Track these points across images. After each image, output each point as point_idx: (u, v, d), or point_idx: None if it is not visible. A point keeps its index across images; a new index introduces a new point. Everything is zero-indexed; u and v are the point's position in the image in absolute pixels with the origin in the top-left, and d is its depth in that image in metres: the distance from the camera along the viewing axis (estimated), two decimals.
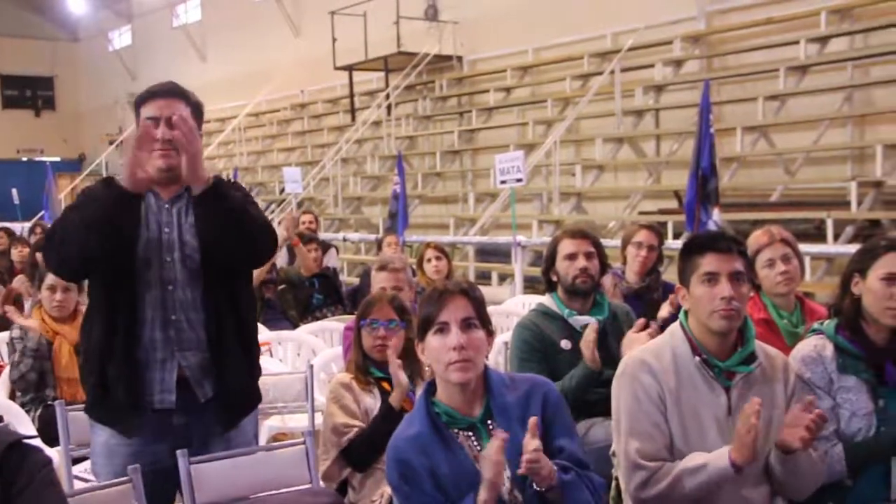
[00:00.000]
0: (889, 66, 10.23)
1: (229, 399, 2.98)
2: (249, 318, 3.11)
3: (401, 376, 3.36)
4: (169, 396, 2.90)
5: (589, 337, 3.72)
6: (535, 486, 2.43)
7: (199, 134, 2.85)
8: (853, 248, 3.11)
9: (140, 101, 2.98)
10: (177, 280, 2.91)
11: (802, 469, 2.68)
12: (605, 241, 4.53)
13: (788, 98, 10.83)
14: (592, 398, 3.68)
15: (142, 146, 2.80)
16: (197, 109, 3.02)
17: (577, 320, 3.91)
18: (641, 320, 3.52)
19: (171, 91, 2.99)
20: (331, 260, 8.27)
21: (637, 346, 3.47)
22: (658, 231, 5.10)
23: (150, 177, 2.85)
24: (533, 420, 2.45)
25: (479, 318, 2.55)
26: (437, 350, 2.52)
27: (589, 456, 2.63)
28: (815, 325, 3.08)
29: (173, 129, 2.81)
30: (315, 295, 7.11)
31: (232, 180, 3.29)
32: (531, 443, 2.39)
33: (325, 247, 8.04)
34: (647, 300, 4.87)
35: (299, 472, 3.13)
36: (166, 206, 2.95)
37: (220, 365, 2.94)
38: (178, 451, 2.86)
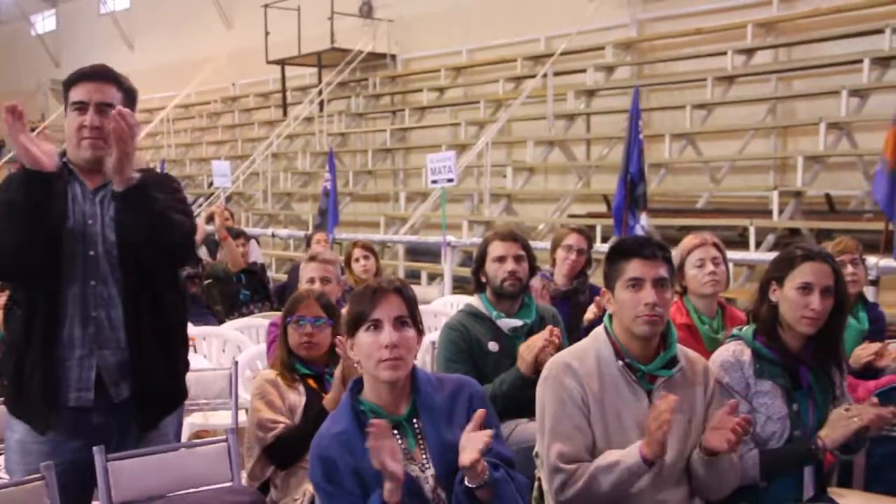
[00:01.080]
0: (810, 80, 10.52)
1: (146, 400, 2.91)
2: (174, 317, 3.01)
3: (344, 382, 3.32)
4: (86, 395, 2.83)
5: (536, 344, 3.72)
6: (466, 483, 2.42)
7: (136, 131, 2.71)
8: (774, 256, 3.18)
9: (68, 84, 2.87)
10: (99, 275, 2.82)
11: (724, 471, 2.74)
12: (534, 244, 4.57)
13: (715, 107, 11.06)
14: (518, 399, 3.69)
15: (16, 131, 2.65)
16: (129, 95, 2.91)
17: (505, 323, 3.92)
18: (550, 327, 3.61)
19: (103, 74, 2.87)
20: (254, 254, 8.19)
21: (531, 348, 3.61)
22: (587, 235, 5.16)
23: (40, 151, 2.69)
24: (480, 412, 2.46)
25: (411, 317, 2.56)
26: (368, 347, 2.51)
27: (513, 456, 2.64)
28: (734, 331, 3.15)
29: (104, 117, 2.71)
30: (242, 291, 7.04)
31: (169, 175, 3.20)
32: (481, 433, 2.40)
33: (248, 239, 7.95)
34: (574, 303, 4.92)
35: (221, 470, 3.09)
36: (90, 195, 2.86)
37: (138, 365, 2.86)
38: (95, 448, 2.80)
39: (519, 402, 3.66)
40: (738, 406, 2.67)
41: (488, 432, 2.41)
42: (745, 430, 2.60)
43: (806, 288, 2.93)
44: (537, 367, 3.66)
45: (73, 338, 2.81)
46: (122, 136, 2.65)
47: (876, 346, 4.07)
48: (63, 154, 2.89)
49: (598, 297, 4.61)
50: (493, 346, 3.88)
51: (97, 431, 2.85)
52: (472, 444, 2.40)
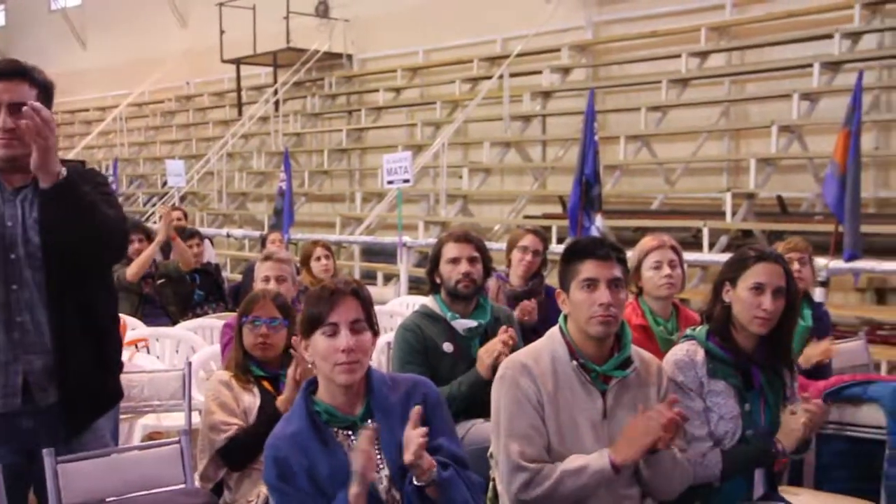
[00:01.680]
0: (763, 83, 10.67)
1: (75, 403, 2.84)
2: (104, 317, 2.95)
3: (298, 382, 3.30)
4: (14, 400, 2.76)
5: (495, 348, 3.71)
6: (414, 482, 2.43)
7: (53, 125, 2.60)
8: (727, 257, 3.22)
9: None
10: (21, 279, 2.75)
11: (665, 469, 2.76)
12: (490, 244, 4.57)
13: (670, 109, 11.17)
14: (475, 400, 3.70)
15: None
16: (45, 89, 2.79)
17: (460, 324, 3.92)
18: (505, 327, 3.63)
19: (13, 72, 2.75)
20: (208, 254, 8.12)
21: (490, 351, 3.63)
22: (543, 236, 5.17)
23: None
24: (416, 409, 2.46)
25: (367, 320, 2.55)
26: (324, 351, 2.49)
27: (468, 457, 2.64)
28: (688, 332, 3.18)
29: (17, 117, 2.61)
30: (196, 291, 6.96)
31: (94, 170, 3.12)
32: (417, 431, 2.40)
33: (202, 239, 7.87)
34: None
35: (174, 472, 3.06)
36: (10, 196, 2.77)
37: (65, 368, 2.79)
38: (45, 451, 2.75)
39: (473, 402, 3.67)
40: (676, 402, 2.68)
41: (422, 431, 2.41)
42: (677, 427, 2.61)
43: (758, 288, 2.96)
44: (496, 370, 3.67)
45: None
46: (38, 131, 2.55)
47: (825, 344, 4.14)
48: None
49: (522, 304, 4.65)
50: (447, 346, 3.88)
51: (26, 436, 2.80)
52: (409, 443, 2.41)
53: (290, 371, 3.29)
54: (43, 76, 2.82)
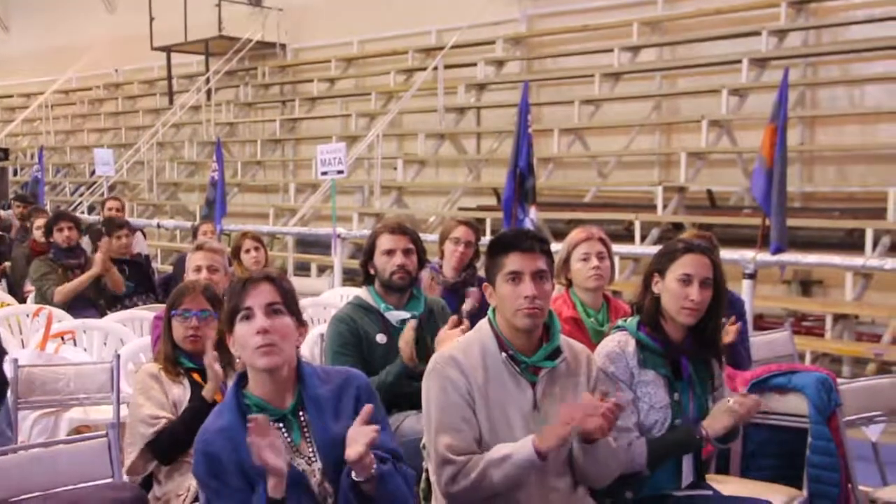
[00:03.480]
0: (693, 78, 10.85)
1: None
2: None
3: (216, 368, 3.27)
4: None
5: (407, 335, 3.72)
6: (353, 476, 2.41)
7: None
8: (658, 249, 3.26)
9: None
10: None
11: (602, 457, 2.78)
12: (424, 236, 4.57)
13: (603, 103, 11.29)
14: (405, 391, 3.70)
15: None
16: None
17: (394, 315, 3.92)
18: (454, 317, 3.58)
19: None
20: (140, 245, 7.98)
21: (449, 343, 3.55)
22: (475, 227, 5.18)
23: None
24: (367, 407, 2.44)
25: (286, 305, 2.52)
26: (243, 337, 2.48)
27: (400, 449, 2.64)
28: (619, 322, 3.21)
29: None
30: (125, 283, 6.84)
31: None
32: (369, 428, 2.38)
33: (131, 230, 7.74)
34: (463, 294, 4.94)
35: (101, 466, 3.00)
36: None
37: None
38: None
39: (405, 394, 3.67)
40: (611, 392, 2.71)
41: (375, 427, 2.40)
42: (616, 416, 2.64)
43: (686, 279, 3.01)
44: (417, 355, 3.68)
45: None
46: None
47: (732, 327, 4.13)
48: None
49: (473, 289, 4.67)
50: (381, 338, 3.87)
51: None
52: (359, 437, 2.38)
53: (206, 359, 3.26)
54: None
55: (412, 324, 3.76)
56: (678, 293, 3.01)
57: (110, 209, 8.52)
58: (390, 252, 3.94)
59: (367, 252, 4.04)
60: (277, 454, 2.32)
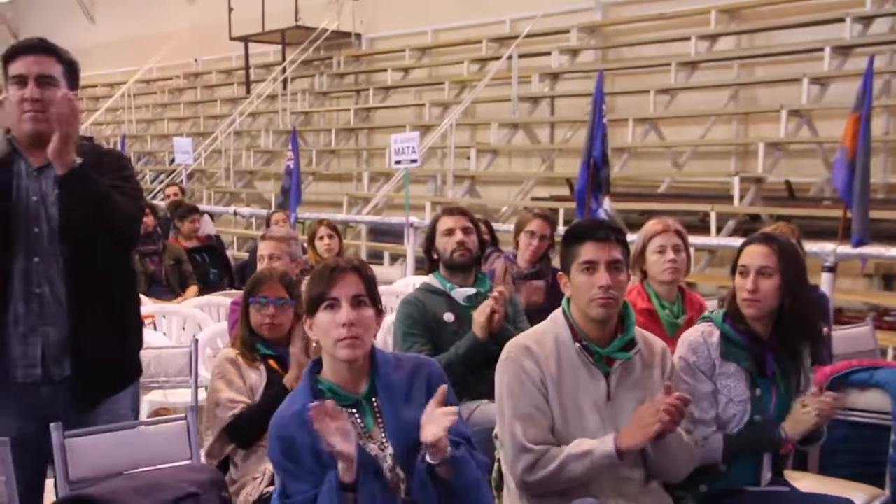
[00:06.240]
0: (771, 67, 10.61)
1: (90, 377, 2.88)
2: (122, 295, 2.99)
3: (302, 359, 3.31)
4: (33, 371, 2.82)
5: (486, 306, 3.77)
6: (428, 460, 2.41)
7: (79, 116, 2.71)
8: (734, 241, 3.23)
9: (7, 58, 2.83)
10: (42, 252, 2.81)
11: (674, 452, 2.76)
12: (497, 226, 4.60)
13: (678, 92, 11.11)
14: (476, 379, 3.72)
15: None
16: (70, 68, 2.88)
17: (459, 293, 3.99)
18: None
19: (42, 47, 2.83)
20: (207, 227, 8.10)
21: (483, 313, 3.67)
22: (550, 220, 5.20)
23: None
24: (443, 388, 2.46)
25: (370, 296, 2.55)
26: (326, 326, 2.50)
27: (472, 435, 2.65)
28: (706, 314, 3.19)
29: (45, 89, 2.71)
30: (211, 270, 6.97)
31: (116, 153, 3.16)
32: (447, 409, 2.39)
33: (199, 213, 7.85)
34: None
35: (180, 448, 3.07)
36: (35, 172, 2.84)
37: (80, 343, 2.84)
38: (52, 425, 2.77)
39: (476, 382, 3.69)
40: (673, 389, 2.67)
41: (454, 409, 2.41)
42: (680, 411, 2.61)
43: (743, 271, 3.00)
44: (491, 330, 3.74)
45: (18, 314, 2.80)
46: (65, 119, 2.63)
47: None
48: (8, 131, 2.87)
49: (529, 283, 4.71)
50: (448, 316, 3.94)
51: (46, 407, 2.83)
52: (435, 420, 2.39)
53: (293, 349, 3.31)
54: (68, 55, 2.90)
55: (495, 294, 3.79)
56: (738, 285, 3.01)
57: (175, 195, 8.66)
58: (450, 231, 4.02)
59: (428, 238, 4.13)
60: (346, 439, 2.34)
